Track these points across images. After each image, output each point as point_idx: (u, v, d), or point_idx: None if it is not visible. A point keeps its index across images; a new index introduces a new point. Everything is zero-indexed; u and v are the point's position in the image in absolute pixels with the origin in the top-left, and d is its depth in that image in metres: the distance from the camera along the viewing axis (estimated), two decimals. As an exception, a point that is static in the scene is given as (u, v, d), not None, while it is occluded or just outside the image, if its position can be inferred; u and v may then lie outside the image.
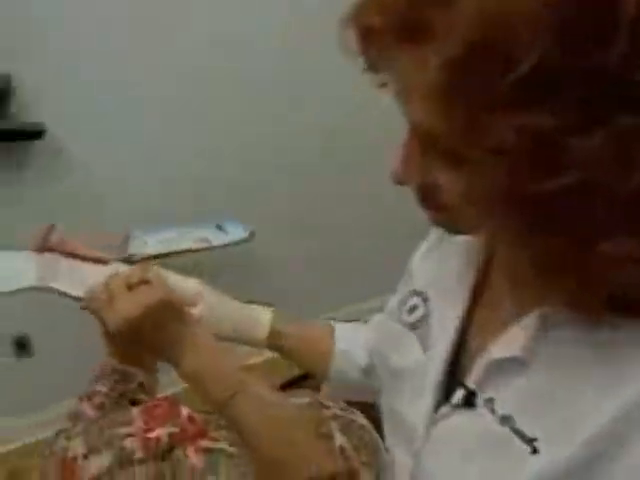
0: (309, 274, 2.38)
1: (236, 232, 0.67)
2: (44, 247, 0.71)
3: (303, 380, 1.04)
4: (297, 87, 2.10)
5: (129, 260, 0.69)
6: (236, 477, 0.71)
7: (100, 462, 0.77)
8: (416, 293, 0.69)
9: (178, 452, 0.76)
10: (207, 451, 0.76)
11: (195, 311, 0.69)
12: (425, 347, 0.62)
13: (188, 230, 0.62)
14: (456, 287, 0.60)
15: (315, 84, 2.12)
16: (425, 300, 0.66)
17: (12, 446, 1.94)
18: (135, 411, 0.85)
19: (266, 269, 2.24)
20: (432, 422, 0.57)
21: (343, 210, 2.37)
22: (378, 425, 0.72)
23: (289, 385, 1.11)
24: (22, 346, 1.85)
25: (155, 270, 0.59)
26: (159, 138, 1.89)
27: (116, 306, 0.56)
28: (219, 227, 0.67)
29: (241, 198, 2.07)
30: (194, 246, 0.60)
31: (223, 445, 0.76)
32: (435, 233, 0.73)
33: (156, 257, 0.63)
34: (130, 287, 0.57)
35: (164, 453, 0.77)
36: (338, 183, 2.31)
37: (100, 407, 0.87)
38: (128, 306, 0.56)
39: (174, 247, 0.60)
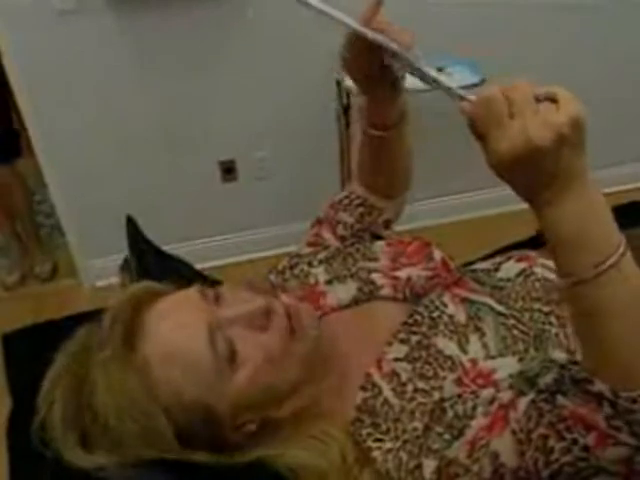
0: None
1: (462, 76, 0.56)
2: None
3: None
4: None
5: None
6: (506, 340, 0.64)
7: (345, 291, 0.73)
8: None
9: (432, 297, 0.69)
10: (466, 301, 0.68)
11: None
12: None
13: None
14: None
15: None
16: None
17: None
18: (379, 246, 0.79)
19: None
20: None
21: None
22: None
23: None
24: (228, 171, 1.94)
25: (559, 90, 0.45)
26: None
27: (523, 125, 0.43)
28: (440, 69, 0.56)
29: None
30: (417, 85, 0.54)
31: (488, 300, 0.68)
32: None
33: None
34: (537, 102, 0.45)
35: (418, 296, 0.71)
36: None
37: (342, 238, 0.82)
38: (538, 128, 0.43)
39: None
